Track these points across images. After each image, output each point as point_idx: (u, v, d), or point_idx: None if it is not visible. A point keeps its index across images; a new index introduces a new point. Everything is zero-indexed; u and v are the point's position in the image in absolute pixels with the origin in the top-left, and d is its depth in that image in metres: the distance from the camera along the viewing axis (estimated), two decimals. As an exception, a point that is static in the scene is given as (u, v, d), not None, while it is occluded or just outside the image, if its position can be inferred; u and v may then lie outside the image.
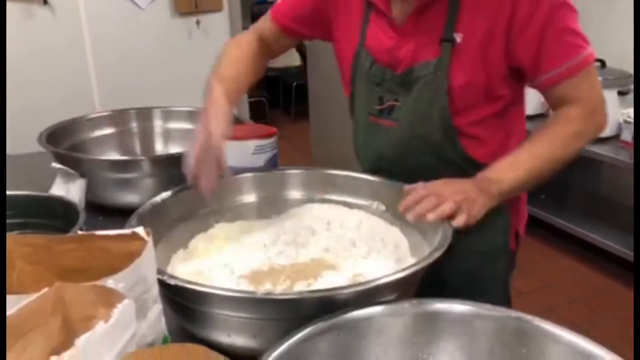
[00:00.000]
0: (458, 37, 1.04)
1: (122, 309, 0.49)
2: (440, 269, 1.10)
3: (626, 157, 2.67)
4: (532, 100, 3.17)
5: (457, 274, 1.09)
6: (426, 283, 0.90)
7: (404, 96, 1.11)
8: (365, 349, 0.77)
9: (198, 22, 2.64)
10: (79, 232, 0.66)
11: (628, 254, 2.71)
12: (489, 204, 1.00)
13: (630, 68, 2.79)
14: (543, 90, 1.08)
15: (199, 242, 1.11)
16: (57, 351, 0.44)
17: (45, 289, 0.50)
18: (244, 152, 1.22)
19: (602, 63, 2.87)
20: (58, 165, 1.28)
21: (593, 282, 2.84)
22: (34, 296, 0.49)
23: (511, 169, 1.03)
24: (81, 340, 0.45)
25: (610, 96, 2.78)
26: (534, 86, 1.09)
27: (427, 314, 0.78)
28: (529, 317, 0.75)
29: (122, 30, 2.50)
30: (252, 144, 1.22)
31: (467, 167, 1.09)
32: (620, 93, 2.77)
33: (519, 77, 1.09)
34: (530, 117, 3.16)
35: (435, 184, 1.01)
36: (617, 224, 2.87)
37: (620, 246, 2.76)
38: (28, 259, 0.60)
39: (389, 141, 1.15)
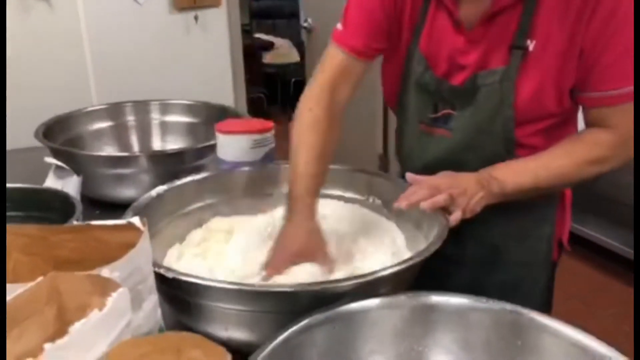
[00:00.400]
0: (531, 45, 0.97)
1: (117, 298, 0.49)
2: (480, 280, 1.11)
3: (624, 154, 2.67)
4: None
5: (497, 285, 1.08)
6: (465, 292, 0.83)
7: (463, 105, 1.05)
8: (361, 341, 0.77)
9: (196, 17, 2.64)
10: (75, 223, 0.66)
11: (626, 251, 2.71)
12: (487, 201, 0.97)
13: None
14: (582, 106, 1.03)
15: (195, 236, 1.10)
16: (52, 339, 0.44)
17: (40, 278, 0.50)
18: (242, 146, 1.22)
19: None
20: (51, 160, 1.28)
21: (591, 279, 2.84)
22: (29, 285, 0.49)
23: (519, 174, 1.00)
24: (75, 328, 0.45)
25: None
26: (576, 100, 1.03)
27: (423, 306, 0.79)
28: (524, 310, 0.76)
29: (120, 25, 2.50)
30: (249, 138, 1.22)
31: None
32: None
33: None
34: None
35: (436, 177, 0.98)
36: (615, 221, 2.87)
37: (618, 243, 2.77)
38: (24, 249, 0.60)
39: (440, 151, 1.09)
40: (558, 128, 1.05)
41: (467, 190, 0.95)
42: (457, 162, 1.04)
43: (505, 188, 0.98)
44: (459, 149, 1.06)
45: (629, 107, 0.97)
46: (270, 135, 1.26)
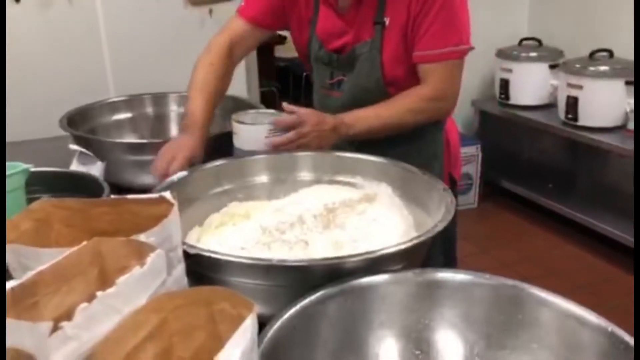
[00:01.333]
0: (387, 20, 1.32)
1: (155, 257, 0.55)
2: None
3: (630, 145, 2.70)
4: (538, 91, 3.22)
5: None
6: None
7: (349, 71, 1.39)
8: (371, 314, 0.82)
9: (211, 12, 2.68)
10: (112, 196, 0.71)
11: (632, 241, 2.74)
12: (335, 140, 1.28)
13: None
14: (414, 62, 1.34)
15: (213, 220, 1.16)
16: (95, 296, 0.50)
17: (84, 242, 0.56)
18: (258, 136, 1.26)
19: (610, 53, 2.90)
20: (75, 147, 1.34)
21: (598, 269, 2.88)
22: (74, 248, 0.55)
23: (362, 120, 1.30)
24: (121, 280, 0.51)
25: (618, 86, 2.81)
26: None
27: (428, 282, 0.84)
28: (524, 285, 0.80)
29: (136, 19, 2.55)
30: (265, 128, 1.27)
31: None
32: (628, 83, 2.79)
33: None
34: (537, 107, 3.21)
35: (304, 115, 1.25)
36: (623, 212, 2.90)
37: (625, 234, 2.79)
38: (65, 221, 0.66)
39: (336, 108, 1.38)
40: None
41: (322, 133, 1.25)
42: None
43: (352, 131, 1.30)
44: (348, 105, 1.37)
45: (449, 66, 1.33)
46: None
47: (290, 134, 1.23)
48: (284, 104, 1.29)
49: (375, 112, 1.32)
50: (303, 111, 1.26)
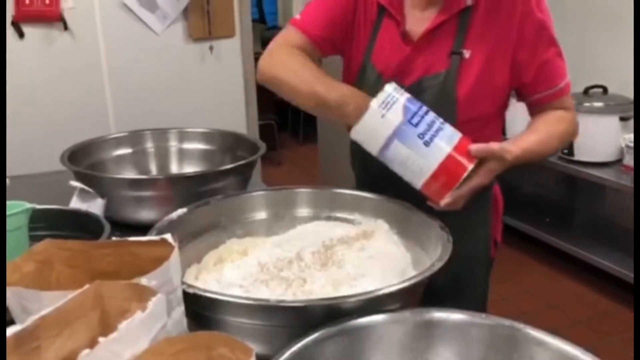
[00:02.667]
0: (467, 53, 1.16)
1: (156, 302, 0.56)
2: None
3: (628, 181, 2.73)
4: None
5: (446, 277, 1.16)
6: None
7: None
8: (368, 354, 0.82)
9: (211, 48, 2.73)
10: (114, 239, 0.72)
11: (630, 276, 2.74)
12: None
13: (631, 94, 2.86)
14: (532, 106, 1.26)
15: (211, 257, 1.16)
16: (97, 340, 0.51)
17: (87, 286, 0.57)
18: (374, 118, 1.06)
19: (604, 89, 2.95)
20: (76, 184, 1.35)
21: (596, 304, 2.87)
22: (76, 292, 0.56)
23: (528, 153, 1.13)
24: (123, 325, 0.51)
25: (612, 122, 2.85)
26: (522, 101, 1.27)
27: (425, 322, 0.84)
28: (520, 325, 0.81)
29: (138, 55, 2.60)
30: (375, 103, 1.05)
31: None
32: (622, 119, 2.83)
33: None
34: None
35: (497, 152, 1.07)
36: (620, 247, 2.91)
37: (623, 269, 2.79)
38: (67, 262, 0.67)
39: None
40: (490, 127, 1.26)
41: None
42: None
43: (516, 163, 1.10)
44: None
45: (569, 96, 1.25)
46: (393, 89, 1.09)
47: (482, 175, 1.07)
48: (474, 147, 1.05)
49: (540, 140, 1.18)
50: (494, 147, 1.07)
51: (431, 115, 1.04)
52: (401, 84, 1.14)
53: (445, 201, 1.04)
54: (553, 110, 1.23)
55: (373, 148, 1.05)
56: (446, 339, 0.83)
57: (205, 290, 0.87)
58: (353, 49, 1.25)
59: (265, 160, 2.58)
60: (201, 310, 0.89)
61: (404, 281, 0.89)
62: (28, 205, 0.95)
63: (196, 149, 1.73)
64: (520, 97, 1.27)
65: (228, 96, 2.85)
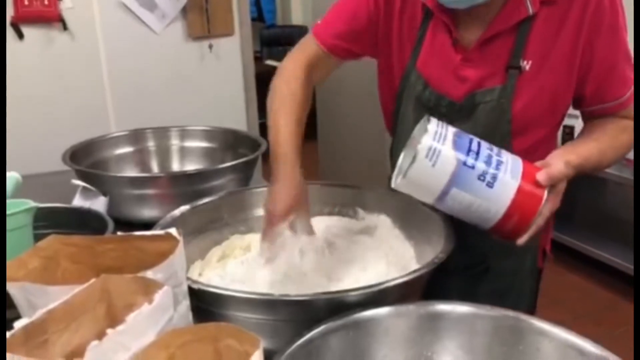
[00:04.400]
0: (527, 65, 1.05)
1: (162, 294, 0.56)
2: (469, 289, 1.15)
3: (629, 174, 2.73)
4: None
5: (486, 294, 1.14)
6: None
7: (461, 121, 1.07)
8: (374, 347, 0.83)
9: (210, 46, 2.73)
10: (119, 233, 0.73)
11: (633, 269, 2.75)
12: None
13: (631, 87, 2.85)
14: (592, 115, 1.13)
15: (214, 253, 1.17)
16: (104, 331, 0.51)
17: (93, 280, 0.57)
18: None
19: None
20: (78, 182, 1.35)
21: (600, 298, 2.87)
22: (83, 286, 0.56)
23: (588, 164, 1.04)
24: (131, 317, 0.52)
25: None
26: (581, 110, 1.15)
27: (430, 314, 0.84)
28: (524, 316, 0.81)
29: (137, 54, 2.59)
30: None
31: None
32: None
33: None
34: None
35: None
36: (623, 241, 2.91)
37: (626, 262, 2.80)
38: (72, 258, 0.67)
39: None
40: (549, 140, 1.15)
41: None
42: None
43: (572, 174, 1.01)
44: None
45: (632, 106, 1.10)
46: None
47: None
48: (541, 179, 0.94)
49: (599, 149, 1.07)
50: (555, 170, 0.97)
51: (485, 148, 0.93)
52: (450, 99, 1.09)
53: (523, 240, 0.94)
54: (617, 118, 1.11)
55: (427, 199, 0.94)
56: (451, 331, 0.83)
57: (210, 286, 0.87)
58: (394, 53, 1.16)
59: (266, 157, 2.57)
60: (206, 306, 0.89)
61: (407, 274, 0.89)
62: (32, 203, 0.95)
63: (197, 146, 1.73)
64: (579, 106, 1.14)
65: (228, 95, 2.85)
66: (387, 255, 1.07)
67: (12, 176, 1.22)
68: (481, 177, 0.89)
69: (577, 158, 1.01)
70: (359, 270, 1.05)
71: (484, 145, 0.93)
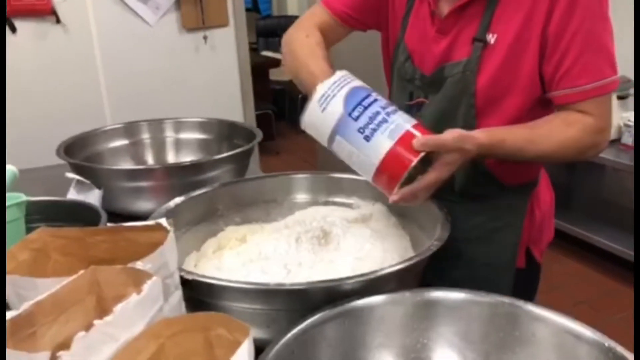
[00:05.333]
0: (492, 38, 1.04)
1: (151, 285, 0.56)
2: (445, 273, 1.13)
3: (626, 159, 2.73)
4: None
5: (460, 280, 1.09)
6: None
7: (432, 94, 1.12)
8: (369, 335, 0.82)
9: (205, 38, 2.72)
10: (109, 225, 0.72)
11: (632, 255, 2.75)
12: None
13: (628, 72, 2.84)
14: (555, 103, 1.07)
15: (210, 244, 1.16)
16: (94, 324, 0.50)
17: (82, 271, 0.57)
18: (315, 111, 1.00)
19: (601, 68, 2.94)
20: (72, 175, 1.35)
21: (598, 284, 2.88)
22: (71, 278, 0.56)
23: (509, 146, 1.01)
24: (118, 308, 0.51)
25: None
26: (546, 96, 1.08)
27: (425, 302, 0.84)
28: (520, 302, 0.81)
29: (131, 46, 2.58)
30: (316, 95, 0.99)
31: (481, 166, 1.12)
32: (620, 97, 2.83)
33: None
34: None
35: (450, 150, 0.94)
36: (621, 226, 2.91)
37: (624, 248, 2.80)
38: (62, 250, 0.66)
39: None
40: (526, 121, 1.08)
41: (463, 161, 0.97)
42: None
43: (492, 155, 1.02)
44: None
45: (604, 101, 1.03)
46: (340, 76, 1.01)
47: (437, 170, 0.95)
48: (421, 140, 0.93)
49: (529, 137, 1.02)
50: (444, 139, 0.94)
51: (377, 105, 0.95)
52: (422, 72, 1.12)
53: (393, 198, 0.95)
54: (571, 112, 1.04)
55: (322, 141, 1.00)
56: (447, 318, 0.83)
57: (204, 276, 0.87)
58: (390, 25, 1.19)
59: (263, 150, 2.57)
60: (201, 297, 0.89)
61: (402, 262, 0.88)
62: (24, 197, 0.95)
63: (193, 138, 1.72)
64: (543, 90, 1.08)
65: (224, 86, 2.84)
66: (383, 244, 1.06)
67: (9, 169, 1.22)
68: (361, 130, 0.93)
69: (488, 138, 0.98)
70: (354, 259, 1.04)
71: (379, 103, 0.95)
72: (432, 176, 0.94)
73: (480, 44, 1.04)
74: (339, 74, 0.99)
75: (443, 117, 1.10)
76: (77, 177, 1.31)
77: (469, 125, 1.06)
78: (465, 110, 1.08)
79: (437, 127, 1.05)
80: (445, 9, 1.08)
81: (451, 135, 0.94)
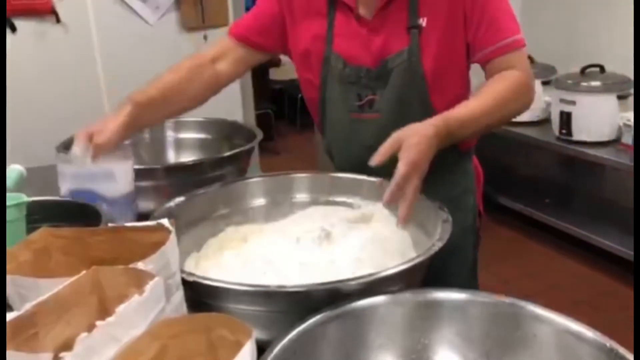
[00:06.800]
0: (423, 22, 1.15)
1: (153, 285, 0.56)
2: None
3: (626, 159, 2.73)
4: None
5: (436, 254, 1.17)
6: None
7: (382, 88, 1.20)
8: (370, 336, 0.82)
9: (205, 37, 2.71)
10: (109, 225, 0.72)
11: (631, 255, 2.75)
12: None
13: (628, 72, 2.85)
14: (482, 66, 1.21)
15: (210, 245, 1.16)
16: (96, 325, 0.50)
17: (84, 272, 0.57)
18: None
19: (602, 68, 2.93)
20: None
21: (597, 283, 2.88)
22: (73, 278, 0.56)
23: (467, 123, 1.10)
24: (120, 309, 0.51)
25: (610, 100, 2.84)
26: (475, 62, 1.22)
27: (426, 302, 0.84)
28: (521, 302, 0.81)
29: (131, 46, 2.58)
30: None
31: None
32: (620, 97, 2.83)
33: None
34: (531, 123, 3.23)
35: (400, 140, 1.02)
36: (620, 226, 2.91)
37: (623, 247, 2.80)
38: (63, 250, 0.66)
39: (374, 132, 1.19)
40: (464, 98, 1.19)
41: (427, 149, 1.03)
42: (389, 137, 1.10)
43: (454, 136, 1.09)
44: (389, 126, 1.12)
45: (520, 54, 1.19)
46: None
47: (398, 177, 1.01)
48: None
49: (480, 108, 1.12)
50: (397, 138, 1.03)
51: None
52: (367, 67, 1.19)
53: (385, 199, 1.06)
54: (498, 75, 1.17)
55: None
56: (448, 319, 0.83)
57: (205, 278, 0.87)
58: (307, 44, 1.25)
59: (263, 149, 2.57)
60: (202, 298, 0.89)
61: (404, 263, 0.88)
62: (24, 197, 0.95)
63: (193, 138, 1.73)
64: (471, 58, 1.22)
65: (223, 86, 2.83)
66: (384, 244, 1.06)
67: (15, 169, 1.23)
68: None
69: (451, 120, 1.07)
70: (355, 260, 1.04)
71: None
72: (401, 165, 1.00)
73: (416, 30, 1.16)
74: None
75: (400, 107, 1.20)
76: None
77: (426, 107, 1.18)
78: (418, 94, 1.19)
79: (396, 116, 1.18)
80: (369, 8, 1.19)
81: (396, 136, 1.03)
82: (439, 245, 0.91)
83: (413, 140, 1.01)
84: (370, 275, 0.86)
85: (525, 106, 1.20)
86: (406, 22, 1.16)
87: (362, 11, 1.19)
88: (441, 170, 1.16)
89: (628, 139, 2.77)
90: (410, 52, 1.16)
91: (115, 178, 1.14)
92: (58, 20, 2.38)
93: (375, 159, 1.01)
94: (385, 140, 1.08)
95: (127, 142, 1.56)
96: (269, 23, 1.29)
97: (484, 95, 1.14)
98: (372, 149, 1.13)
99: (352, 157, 1.27)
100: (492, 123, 1.15)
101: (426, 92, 1.18)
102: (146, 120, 1.26)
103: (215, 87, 1.34)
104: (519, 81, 1.16)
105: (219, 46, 1.34)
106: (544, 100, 3.18)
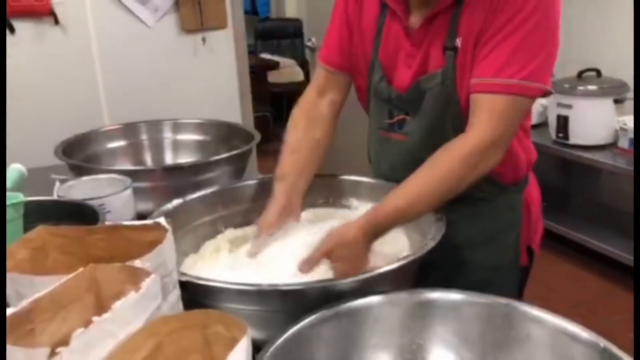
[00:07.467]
0: (459, 43, 1.03)
1: (150, 282, 0.56)
2: (450, 281, 1.13)
3: (623, 163, 2.73)
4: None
5: (465, 286, 1.11)
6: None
7: (413, 110, 1.12)
8: (365, 335, 0.83)
9: (204, 39, 2.71)
10: (107, 223, 0.72)
11: (628, 258, 2.75)
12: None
13: (624, 76, 2.86)
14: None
15: (208, 246, 1.16)
16: (92, 322, 0.51)
17: (81, 269, 0.57)
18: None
19: (598, 72, 2.94)
20: (58, 177, 1.35)
21: (594, 287, 2.88)
22: (70, 276, 0.56)
23: (390, 215, 0.99)
24: (117, 305, 0.52)
25: (607, 104, 2.85)
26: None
27: (421, 302, 0.85)
28: (515, 303, 0.81)
29: (130, 48, 2.58)
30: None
31: None
32: (616, 101, 2.83)
33: None
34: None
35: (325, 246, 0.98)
36: (617, 230, 2.92)
37: (620, 251, 2.81)
38: (61, 248, 0.67)
39: (400, 154, 1.16)
40: None
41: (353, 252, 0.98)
42: (416, 162, 1.04)
43: (381, 231, 1.00)
44: (415, 151, 1.11)
45: (508, 100, 0.99)
46: None
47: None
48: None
49: (404, 199, 1.00)
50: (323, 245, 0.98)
51: None
52: (397, 92, 1.12)
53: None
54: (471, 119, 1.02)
55: None
56: (443, 319, 0.84)
57: (199, 278, 0.87)
58: (358, 48, 1.19)
59: (261, 152, 2.57)
60: (197, 299, 0.89)
61: (396, 262, 0.89)
62: (21, 197, 0.95)
63: (191, 139, 1.73)
64: None
65: (222, 88, 2.83)
66: (380, 244, 1.07)
67: (16, 168, 1.24)
68: None
69: (372, 217, 0.99)
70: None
71: None
72: (334, 272, 0.96)
73: (451, 52, 1.04)
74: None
75: (432, 131, 1.10)
76: (61, 177, 1.31)
77: (460, 132, 1.04)
78: (452, 118, 1.08)
79: (427, 140, 1.10)
80: (416, 22, 1.09)
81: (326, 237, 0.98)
82: (431, 244, 0.92)
83: (342, 253, 0.96)
84: (363, 274, 0.86)
85: (485, 169, 1.01)
86: (444, 40, 1.05)
87: (413, 19, 1.09)
88: (475, 205, 1.13)
89: (624, 142, 2.78)
90: (444, 75, 1.06)
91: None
92: (57, 22, 2.38)
93: (303, 269, 0.96)
94: (411, 162, 1.04)
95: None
96: (348, 35, 1.20)
97: (411, 186, 1.01)
98: (396, 169, 1.14)
99: (379, 170, 1.25)
100: (440, 200, 1.01)
101: (460, 120, 1.05)
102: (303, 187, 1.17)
103: (336, 114, 1.26)
104: (467, 152, 0.99)
105: (317, 81, 1.25)
106: (540, 104, 3.19)
